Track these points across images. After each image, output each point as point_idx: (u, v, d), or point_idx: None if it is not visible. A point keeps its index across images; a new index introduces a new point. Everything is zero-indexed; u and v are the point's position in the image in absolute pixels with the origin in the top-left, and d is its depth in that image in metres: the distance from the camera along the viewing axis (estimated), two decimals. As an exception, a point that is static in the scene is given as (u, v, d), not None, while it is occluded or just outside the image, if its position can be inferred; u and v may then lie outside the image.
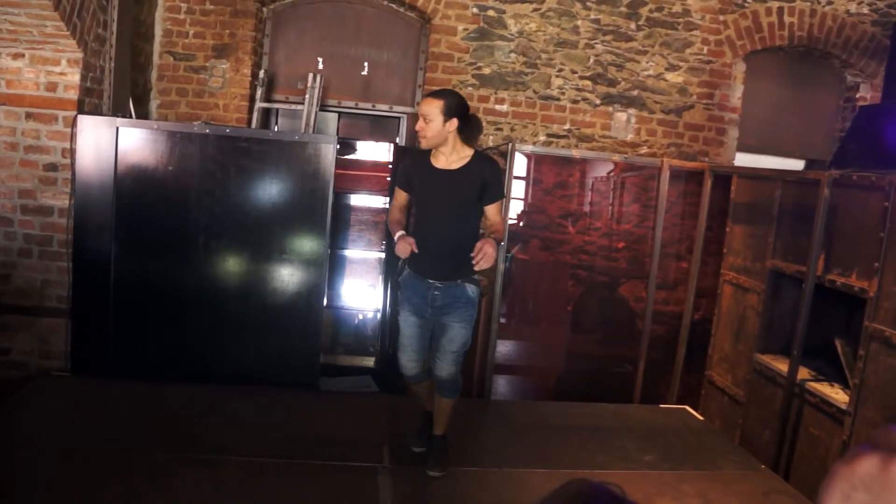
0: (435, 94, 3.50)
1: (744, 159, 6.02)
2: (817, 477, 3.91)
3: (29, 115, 4.43)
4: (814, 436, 4.03)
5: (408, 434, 3.89)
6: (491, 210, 3.53)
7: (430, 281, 3.49)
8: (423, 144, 3.48)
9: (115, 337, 4.51)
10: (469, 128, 3.53)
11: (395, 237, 3.39)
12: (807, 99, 6.17)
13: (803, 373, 4.19)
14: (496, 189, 3.52)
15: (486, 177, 3.47)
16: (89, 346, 4.50)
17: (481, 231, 3.62)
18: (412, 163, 3.65)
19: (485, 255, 3.15)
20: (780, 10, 5.74)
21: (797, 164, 6.24)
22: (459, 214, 3.51)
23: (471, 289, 3.53)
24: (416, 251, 3.29)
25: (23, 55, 4.35)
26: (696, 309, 5.53)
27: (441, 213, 3.51)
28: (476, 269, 3.23)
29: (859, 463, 0.79)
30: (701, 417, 4.88)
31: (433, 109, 3.38)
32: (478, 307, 3.62)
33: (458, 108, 3.44)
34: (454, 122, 3.41)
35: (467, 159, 3.49)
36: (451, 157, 3.48)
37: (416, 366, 3.63)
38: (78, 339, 4.51)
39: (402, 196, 3.63)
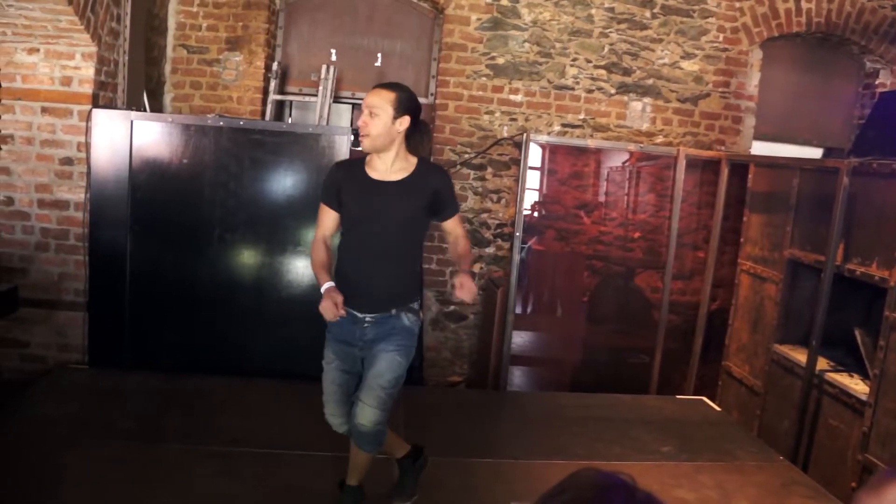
0: (385, 86, 2.91)
1: (761, 148, 5.96)
2: (836, 468, 3.88)
3: (44, 110, 4.45)
4: (833, 427, 3.99)
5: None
6: (449, 225, 3.05)
7: (360, 315, 2.91)
8: (366, 145, 2.88)
9: (130, 329, 4.54)
10: (419, 133, 3.01)
11: (322, 289, 2.81)
12: (825, 86, 6.09)
13: (822, 363, 4.15)
14: (450, 202, 3.03)
15: (438, 187, 2.96)
16: (106, 339, 4.54)
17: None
18: (341, 174, 3.02)
19: (466, 289, 2.74)
20: (798, -5, 5.67)
21: (815, 153, 6.17)
22: (401, 234, 2.94)
23: (408, 318, 2.97)
24: (345, 315, 2.78)
25: (38, 50, 4.37)
26: (712, 299, 5.49)
27: (379, 233, 2.91)
28: (459, 297, 2.77)
29: (887, 491, 0.76)
30: (718, 408, 4.85)
31: (382, 101, 2.84)
32: (417, 339, 3.05)
33: (411, 104, 2.90)
34: (405, 121, 2.87)
35: (412, 168, 2.95)
36: (394, 165, 2.93)
37: (339, 422, 3.03)
38: (95, 331, 4.54)
39: (329, 219, 3.00)
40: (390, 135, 2.86)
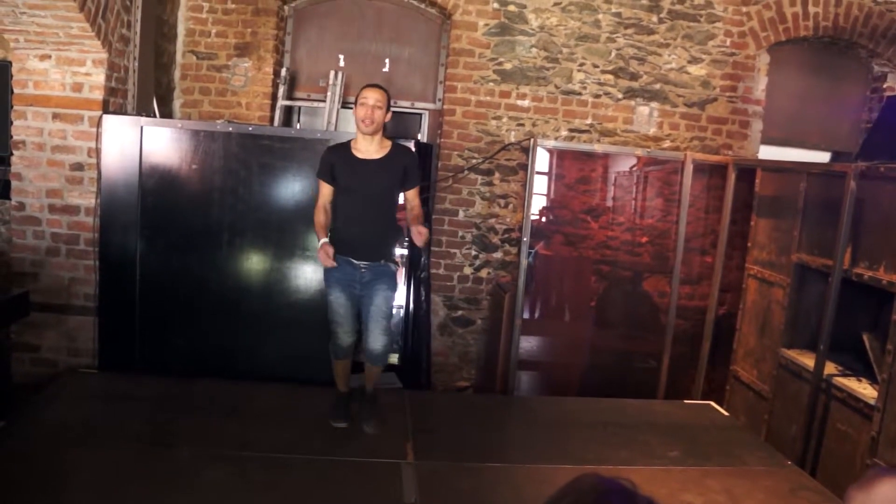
0: (379, 86, 3.84)
1: (768, 152, 5.96)
2: (845, 473, 3.87)
3: (55, 116, 4.49)
4: (841, 431, 3.98)
5: (330, 410, 4.05)
6: (410, 195, 3.87)
7: (356, 262, 3.80)
8: (369, 129, 3.73)
9: (140, 334, 4.57)
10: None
11: (319, 244, 3.71)
12: (832, 90, 6.08)
13: (830, 368, 4.14)
14: (414, 176, 3.87)
15: (406, 164, 3.84)
16: (116, 344, 4.57)
17: (401, 221, 4.05)
18: (333, 156, 3.87)
19: (422, 234, 3.61)
20: (805, 0, 5.67)
21: (823, 157, 6.16)
22: (382, 200, 3.84)
23: (392, 266, 3.91)
24: (336, 265, 3.69)
25: (49, 56, 4.41)
26: (720, 303, 5.49)
27: (365, 199, 3.80)
28: (419, 245, 3.69)
29: (876, 487, 0.78)
30: (726, 413, 4.84)
31: (382, 98, 3.76)
32: (396, 278, 4.01)
33: (390, 102, 3.89)
34: (389, 115, 3.83)
35: (388, 149, 3.84)
36: (374, 146, 3.81)
37: (350, 337, 3.93)
38: (105, 336, 4.57)
39: (326, 190, 3.88)
40: (381, 124, 3.78)
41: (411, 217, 3.84)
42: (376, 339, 3.84)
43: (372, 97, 3.72)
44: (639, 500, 0.99)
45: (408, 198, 3.89)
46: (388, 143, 3.88)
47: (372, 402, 4.09)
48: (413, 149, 4.18)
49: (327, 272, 3.86)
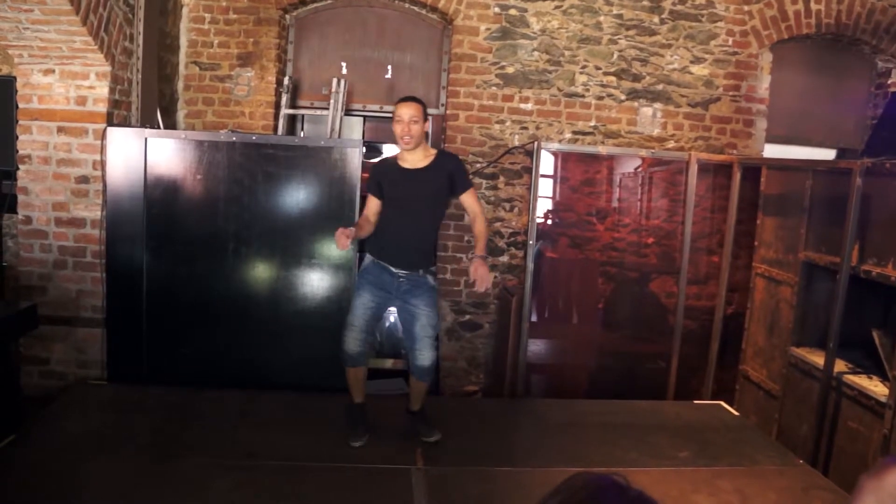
0: (414, 99, 3.81)
1: (773, 150, 5.94)
2: (857, 471, 3.84)
3: (60, 129, 4.51)
4: (853, 429, 3.96)
5: (347, 427, 3.98)
6: (467, 199, 3.87)
7: (395, 270, 3.82)
8: (410, 145, 3.76)
9: (148, 344, 4.58)
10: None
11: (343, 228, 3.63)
12: (836, 87, 6.06)
13: (840, 366, 4.12)
14: (462, 180, 3.86)
15: (452, 169, 3.83)
16: (124, 355, 4.58)
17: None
18: (382, 169, 3.93)
19: (481, 279, 3.57)
20: (807, -3, 5.66)
21: (828, 154, 6.14)
22: (427, 208, 3.85)
23: (431, 278, 3.89)
24: (347, 247, 3.67)
25: (53, 71, 4.43)
26: (728, 303, 5.47)
27: (410, 208, 3.82)
28: (476, 287, 3.59)
29: (889, 476, 0.77)
30: (736, 413, 4.82)
31: (418, 113, 3.75)
32: (436, 294, 3.99)
33: (427, 112, 3.90)
34: (428, 124, 3.93)
35: (432, 157, 3.84)
36: (418, 156, 3.82)
37: (360, 344, 3.85)
38: (113, 347, 4.59)
39: (373, 204, 3.92)
40: (422, 135, 3.80)
41: (476, 232, 3.84)
42: (425, 356, 3.82)
43: (406, 113, 3.73)
44: (630, 494, 1.00)
45: (466, 204, 3.91)
46: (433, 152, 3.90)
47: (424, 416, 4.05)
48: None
49: (361, 275, 3.92)
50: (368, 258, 3.92)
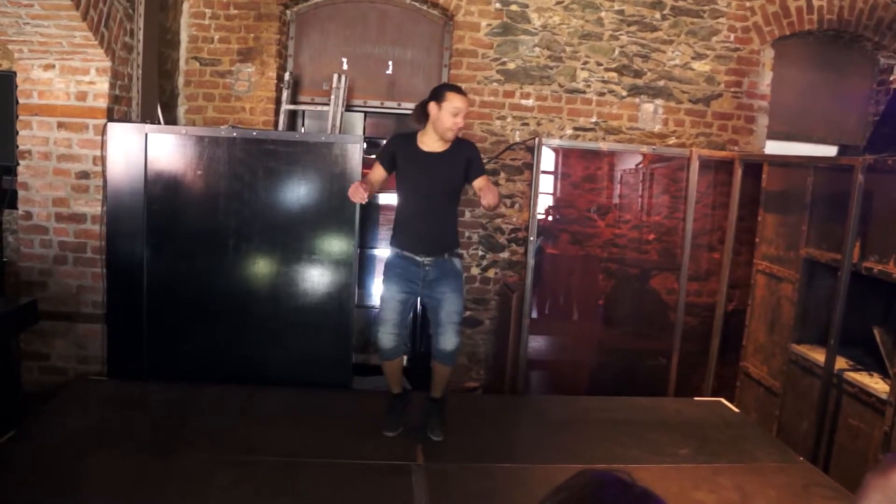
0: (465, 92, 3.82)
1: (774, 147, 5.93)
2: (858, 469, 3.85)
3: (60, 125, 4.51)
4: (853, 427, 3.96)
5: (384, 415, 4.00)
6: (479, 182, 3.78)
7: (420, 258, 3.78)
8: (453, 137, 3.75)
9: (149, 340, 4.57)
10: None
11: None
12: (838, 83, 6.05)
13: (841, 363, 4.12)
14: (478, 167, 3.81)
15: (470, 157, 3.79)
16: (124, 351, 4.57)
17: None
18: (400, 144, 3.85)
19: (491, 192, 3.53)
20: (809, -7, 5.65)
21: (830, 151, 6.13)
22: (446, 194, 3.82)
23: (457, 262, 3.87)
24: (365, 201, 3.55)
25: (53, 66, 4.42)
26: (729, 300, 5.46)
27: (429, 192, 3.78)
28: (485, 203, 3.52)
29: (894, 473, 0.77)
30: (737, 409, 4.81)
31: (468, 107, 3.78)
32: (463, 278, 3.97)
33: None
34: None
35: (450, 143, 3.79)
36: (439, 141, 3.77)
37: (394, 339, 3.83)
38: (114, 343, 4.58)
39: (379, 173, 3.82)
40: None
41: (481, 193, 3.74)
42: (448, 339, 3.80)
43: (466, 108, 3.72)
44: (634, 491, 0.99)
45: (477, 186, 3.80)
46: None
47: (440, 410, 4.02)
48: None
49: (387, 269, 3.87)
50: (392, 252, 3.88)
